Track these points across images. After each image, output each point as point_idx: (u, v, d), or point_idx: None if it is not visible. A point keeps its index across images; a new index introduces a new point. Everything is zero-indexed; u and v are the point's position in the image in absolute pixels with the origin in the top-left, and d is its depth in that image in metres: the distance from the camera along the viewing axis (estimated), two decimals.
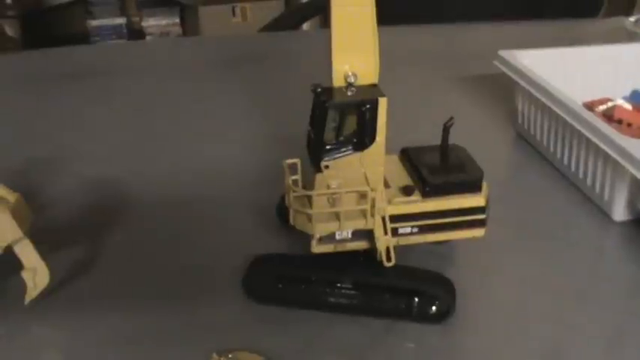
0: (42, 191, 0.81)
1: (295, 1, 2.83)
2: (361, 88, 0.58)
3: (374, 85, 0.58)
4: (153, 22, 3.06)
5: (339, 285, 0.62)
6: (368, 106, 0.57)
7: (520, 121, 0.93)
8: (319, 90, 0.57)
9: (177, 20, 3.07)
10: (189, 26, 3.04)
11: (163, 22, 3.05)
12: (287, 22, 1.76)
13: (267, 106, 1.02)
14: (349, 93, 0.58)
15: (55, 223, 0.76)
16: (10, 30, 2.67)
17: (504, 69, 0.90)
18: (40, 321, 0.62)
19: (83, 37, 2.93)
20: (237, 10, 2.90)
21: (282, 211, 0.68)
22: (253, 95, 1.07)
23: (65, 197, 0.81)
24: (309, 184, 0.60)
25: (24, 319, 0.62)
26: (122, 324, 0.62)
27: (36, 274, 0.62)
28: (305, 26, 1.69)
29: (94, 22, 3.03)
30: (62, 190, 0.82)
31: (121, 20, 3.06)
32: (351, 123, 0.58)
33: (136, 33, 3.05)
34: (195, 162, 0.88)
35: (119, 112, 1.02)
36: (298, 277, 0.63)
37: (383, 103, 0.57)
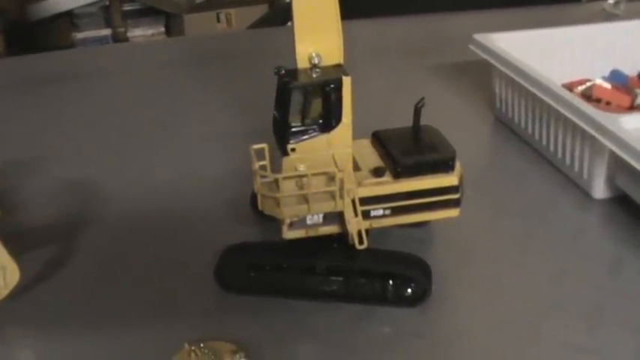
0: (17, 192, 0.81)
1: (280, 4, 2.82)
2: (326, 69, 0.57)
3: (339, 66, 0.57)
4: (139, 32, 3.04)
5: (312, 271, 0.61)
6: (332, 85, 0.56)
7: (498, 105, 0.92)
8: (282, 72, 0.56)
9: (163, 29, 3.05)
10: (175, 34, 3.02)
11: (149, 31, 3.04)
12: (273, 20, 1.75)
13: (249, 101, 1.01)
14: (314, 75, 0.57)
15: (30, 222, 0.75)
16: None
17: (480, 52, 0.89)
18: (11, 320, 0.61)
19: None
20: (222, 17, 2.89)
21: (256, 202, 0.67)
22: (235, 91, 1.06)
23: (41, 198, 0.80)
24: (278, 170, 0.59)
25: None
26: (95, 318, 0.61)
27: (6, 272, 0.61)
28: (290, 24, 1.68)
29: (80, 35, 3.01)
30: (38, 191, 0.81)
31: (106, 31, 3.04)
32: (316, 104, 0.57)
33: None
34: (172, 159, 0.87)
35: (97, 114, 1.01)
36: (270, 264, 0.62)
37: (347, 83, 0.56)
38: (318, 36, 0.56)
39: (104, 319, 0.61)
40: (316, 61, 0.57)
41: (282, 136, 0.57)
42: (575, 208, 0.74)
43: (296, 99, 0.56)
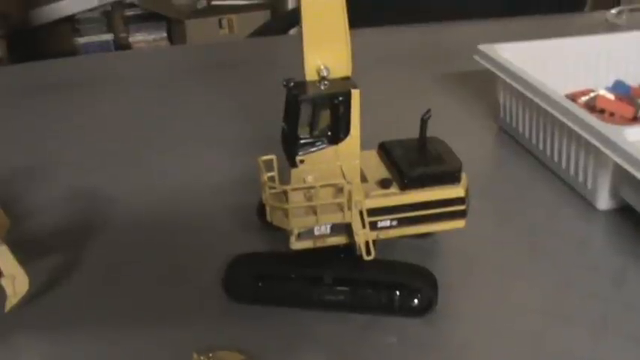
0: (24, 199, 0.81)
1: (282, 11, 2.83)
2: (334, 82, 0.57)
3: (347, 78, 0.58)
4: (140, 38, 3.06)
5: (319, 281, 0.61)
6: (341, 98, 0.56)
7: (502, 115, 0.92)
8: (292, 84, 0.57)
9: (165, 34, 3.07)
10: (177, 40, 3.04)
11: (151, 37, 3.05)
12: (275, 28, 1.75)
13: (253, 109, 1.02)
14: (322, 87, 0.57)
15: (38, 230, 0.75)
16: None
17: (484, 63, 0.90)
18: (21, 327, 0.61)
19: (71, 55, 2.92)
20: (224, 22, 2.90)
21: (262, 212, 0.68)
22: (239, 99, 1.06)
23: (48, 205, 0.80)
24: (286, 181, 0.59)
25: (4, 325, 0.61)
26: (102, 327, 0.61)
27: (15, 280, 0.61)
28: (293, 32, 1.69)
29: (82, 40, 3.02)
30: (45, 198, 0.81)
31: (108, 37, 3.05)
32: (324, 116, 0.58)
33: (123, 49, 3.05)
34: (178, 167, 0.88)
35: (101, 121, 1.02)
36: (278, 275, 0.62)
37: (356, 96, 0.57)
38: (327, 49, 0.57)
39: (111, 327, 0.61)
40: (325, 74, 0.57)
41: (290, 148, 0.58)
42: (579, 219, 0.75)
43: (305, 111, 0.57)
